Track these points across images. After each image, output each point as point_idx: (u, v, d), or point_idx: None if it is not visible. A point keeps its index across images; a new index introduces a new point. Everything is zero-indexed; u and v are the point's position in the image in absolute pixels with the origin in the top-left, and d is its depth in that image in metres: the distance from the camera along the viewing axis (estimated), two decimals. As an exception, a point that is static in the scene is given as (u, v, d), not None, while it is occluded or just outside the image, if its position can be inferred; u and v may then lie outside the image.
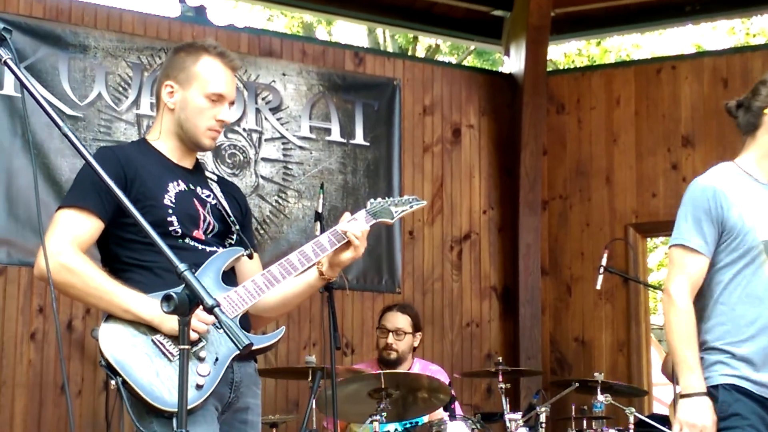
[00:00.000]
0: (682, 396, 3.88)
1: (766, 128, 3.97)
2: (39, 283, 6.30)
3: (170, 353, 3.22)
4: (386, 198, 3.85)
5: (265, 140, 7.20)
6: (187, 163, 3.62)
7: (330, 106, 7.53)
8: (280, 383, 6.51)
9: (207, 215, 3.53)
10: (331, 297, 5.05)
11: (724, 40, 13.86)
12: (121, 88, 6.76)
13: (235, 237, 3.62)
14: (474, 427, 5.65)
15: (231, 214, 3.61)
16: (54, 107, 6.40)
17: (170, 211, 3.42)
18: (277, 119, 7.26)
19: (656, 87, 8.08)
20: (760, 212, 3.92)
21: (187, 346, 2.81)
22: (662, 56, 8.52)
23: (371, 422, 5.30)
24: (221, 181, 3.76)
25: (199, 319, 3.21)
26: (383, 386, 5.46)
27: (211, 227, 3.53)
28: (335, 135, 7.52)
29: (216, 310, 2.75)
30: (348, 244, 3.57)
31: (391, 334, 6.39)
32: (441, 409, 5.81)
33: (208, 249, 3.49)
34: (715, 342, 3.92)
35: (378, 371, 5.72)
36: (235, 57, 3.66)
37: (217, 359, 3.32)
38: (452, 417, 5.66)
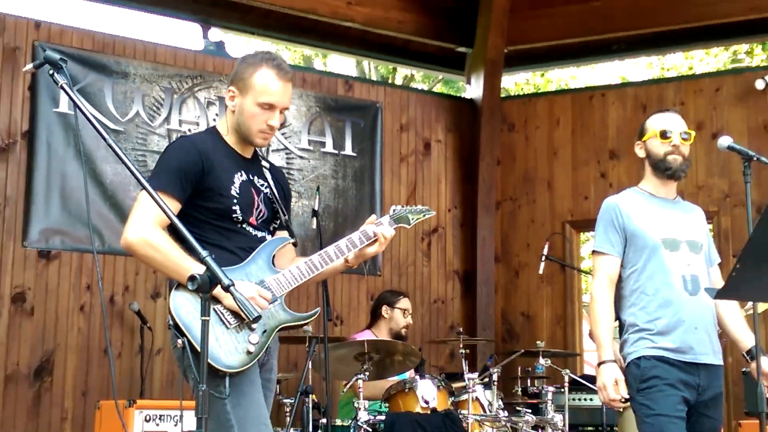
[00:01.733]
0: (598, 364, 3.99)
1: (639, 158, 4.26)
2: (86, 265, 6.31)
3: (228, 322, 3.21)
4: (405, 206, 3.77)
5: (272, 151, 7.19)
6: (247, 153, 3.54)
7: (324, 124, 7.52)
8: (282, 347, 6.45)
9: (260, 203, 3.47)
10: (325, 279, 5.08)
11: (644, 73, 13.89)
12: (155, 108, 6.75)
13: (278, 222, 3.56)
14: (439, 384, 5.65)
15: (278, 201, 3.55)
16: (100, 122, 6.41)
17: (235, 201, 3.37)
18: (282, 134, 7.25)
19: (589, 111, 8.09)
20: (655, 218, 4.09)
21: (208, 317, 2.82)
22: (594, 86, 8.56)
23: (357, 379, 5.31)
24: (272, 168, 3.66)
25: (258, 302, 3.21)
26: (366, 351, 5.48)
27: (262, 214, 3.48)
28: (329, 147, 7.52)
29: (231, 288, 2.75)
30: (374, 242, 3.55)
31: (410, 316, 6.48)
32: (413, 369, 5.83)
33: (258, 234, 3.45)
34: (637, 322, 4.01)
35: (362, 338, 5.75)
36: (290, 69, 3.54)
37: (265, 331, 3.32)
38: (422, 376, 5.68)
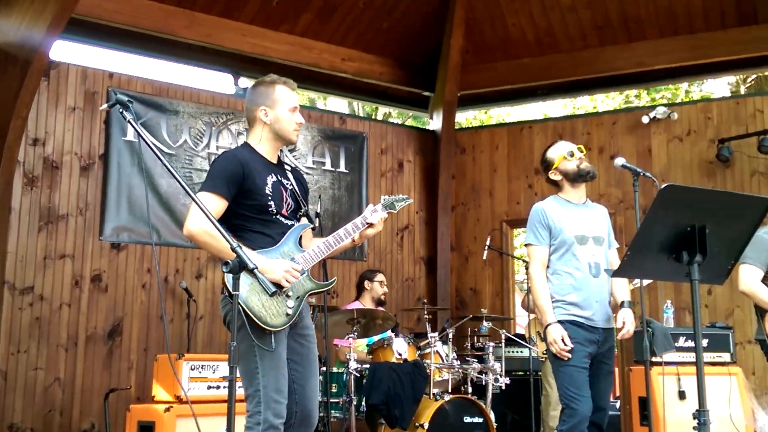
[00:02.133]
0: (546, 326, 4.03)
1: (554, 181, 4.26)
2: (146, 253, 6.30)
3: (269, 290, 3.08)
4: (391, 196, 3.75)
5: (286, 170, 7.18)
6: (274, 159, 3.49)
7: (324, 149, 7.51)
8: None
9: (288, 198, 3.43)
10: (324, 263, 5.07)
11: (560, 111, 13.95)
12: (198, 137, 6.73)
13: (302, 212, 3.53)
14: (409, 341, 5.68)
15: (300, 195, 3.52)
16: (158, 148, 6.41)
17: (269, 198, 3.34)
18: (294, 156, 7.25)
19: (520, 139, 8.11)
20: (570, 220, 4.13)
21: (237, 292, 2.81)
22: (523, 120, 8.60)
23: (348, 338, 5.32)
24: (293, 170, 3.60)
25: (293, 274, 3.21)
26: (355, 317, 5.49)
27: (290, 206, 3.44)
28: (328, 166, 7.50)
29: (255, 270, 2.75)
30: (372, 225, 3.54)
31: (386, 286, 6.48)
32: (390, 330, 5.85)
33: (288, 222, 3.41)
34: (556, 296, 4.05)
35: (351, 308, 5.75)
36: (293, 82, 3.53)
37: (298, 297, 3.31)
38: (396, 335, 5.69)
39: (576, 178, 4.16)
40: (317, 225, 5.31)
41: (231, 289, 3.07)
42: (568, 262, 4.05)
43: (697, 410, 2.92)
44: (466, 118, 14.13)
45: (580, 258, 4.05)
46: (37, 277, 5.92)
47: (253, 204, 3.30)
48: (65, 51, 12.52)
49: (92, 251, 6.16)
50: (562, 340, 3.91)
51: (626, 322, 4.06)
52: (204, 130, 6.77)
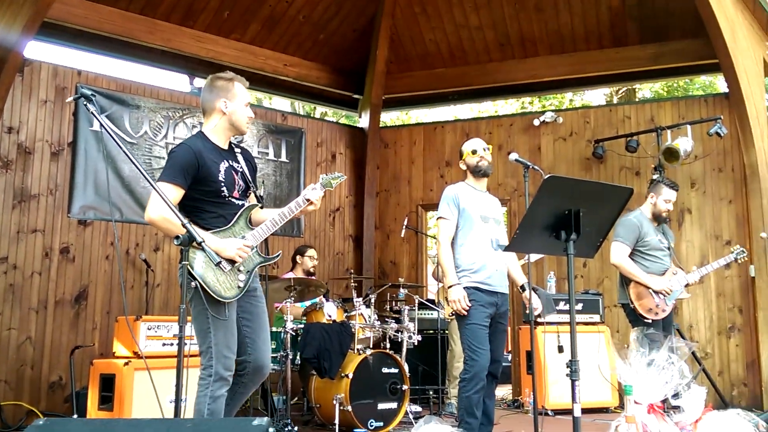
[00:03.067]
0: (449, 286, 4.03)
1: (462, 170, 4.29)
2: (110, 229, 6.11)
3: (224, 267, 3.08)
4: (328, 174, 3.57)
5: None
6: (225, 146, 3.35)
7: (269, 141, 7.39)
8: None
9: (239, 180, 3.30)
10: (267, 239, 4.98)
11: (467, 113, 14.07)
12: (157, 128, 6.53)
13: (251, 191, 3.41)
14: (338, 305, 5.67)
15: (250, 175, 3.38)
16: (120, 138, 6.22)
17: (222, 183, 3.21)
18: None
19: (433, 136, 8.16)
20: (475, 202, 4.15)
21: (186, 262, 2.75)
22: (437, 121, 8.64)
23: (286, 302, 5.28)
24: (242, 151, 3.42)
25: (244, 250, 3.15)
26: (291, 285, 5.45)
27: (240, 188, 3.31)
28: (271, 156, 7.39)
29: (203, 244, 2.70)
30: (311, 202, 3.39)
31: (315, 260, 6.40)
32: (322, 296, 5.84)
33: (239, 203, 3.29)
34: (461, 266, 4.06)
35: (287, 277, 5.71)
36: (246, 81, 3.42)
37: (249, 271, 3.23)
38: (327, 300, 5.68)
39: (474, 171, 4.21)
40: (261, 207, 5.25)
41: (184, 260, 3.00)
42: (473, 237, 4.09)
43: (569, 360, 3.01)
44: (390, 118, 14.13)
45: (483, 234, 4.09)
46: (11, 248, 5.68)
47: (207, 189, 3.18)
48: (38, 51, 11.97)
49: (61, 227, 5.94)
50: (463, 299, 3.96)
51: (533, 302, 4.10)
52: (162, 123, 6.57)
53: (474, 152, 4.21)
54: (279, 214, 3.34)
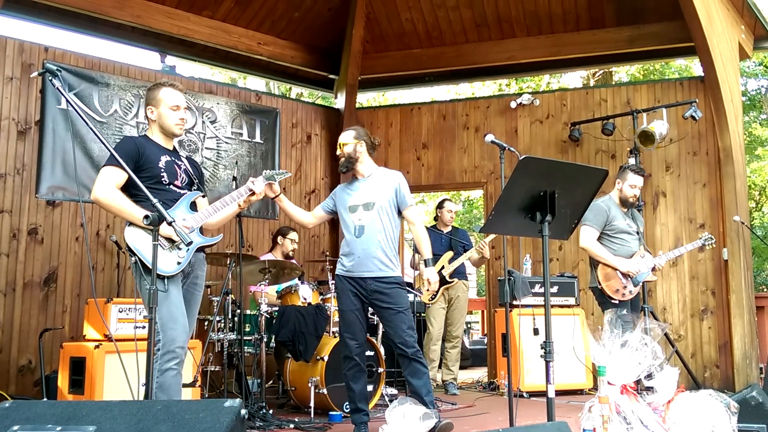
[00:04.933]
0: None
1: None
2: (79, 210, 6.02)
3: (163, 244, 3.28)
4: (272, 170, 3.93)
5: (207, 138, 6.98)
6: (170, 147, 3.58)
7: (242, 121, 7.32)
8: (213, 265, 6.39)
9: (182, 174, 3.51)
10: (240, 221, 4.97)
11: (444, 95, 14.06)
12: (128, 107, 6.42)
13: (195, 186, 3.59)
14: (313, 287, 5.68)
15: (194, 175, 3.60)
16: (89, 116, 6.12)
17: (162, 170, 3.42)
18: (214, 127, 7.04)
19: (410, 118, 8.14)
20: (348, 196, 4.52)
21: (157, 242, 2.78)
22: (413, 102, 8.60)
23: (260, 285, 5.26)
24: (188, 158, 3.69)
25: (184, 226, 3.34)
26: (267, 267, 5.43)
27: (184, 180, 3.52)
28: (245, 136, 7.32)
29: (173, 223, 2.74)
30: (254, 193, 3.70)
31: (296, 243, 6.40)
32: (297, 278, 5.82)
33: (182, 192, 3.49)
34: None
35: (264, 258, 5.68)
36: (178, 84, 3.62)
37: (188, 249, 3.39)
38: (302, 283, 5.67)
39: (341, 166, 4.49)
40: (235, 187, 5.21)
41: (134, 246, 3.27)
42: (344, 226, 4.37)
43: (544, 341, 3.04)
44: (366, 99, 14.08)
45: (348, 223, 4.33)
46: (-24, 230, 5.58)
47: (147, 175, 3.37)
48: (4, 26, 11.69)
49: (29, 207, 5.83)
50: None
51: (430, 280, 4.32)
52: (133, 102, 6.47)
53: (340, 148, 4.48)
54: (221, 201, 3.58)
